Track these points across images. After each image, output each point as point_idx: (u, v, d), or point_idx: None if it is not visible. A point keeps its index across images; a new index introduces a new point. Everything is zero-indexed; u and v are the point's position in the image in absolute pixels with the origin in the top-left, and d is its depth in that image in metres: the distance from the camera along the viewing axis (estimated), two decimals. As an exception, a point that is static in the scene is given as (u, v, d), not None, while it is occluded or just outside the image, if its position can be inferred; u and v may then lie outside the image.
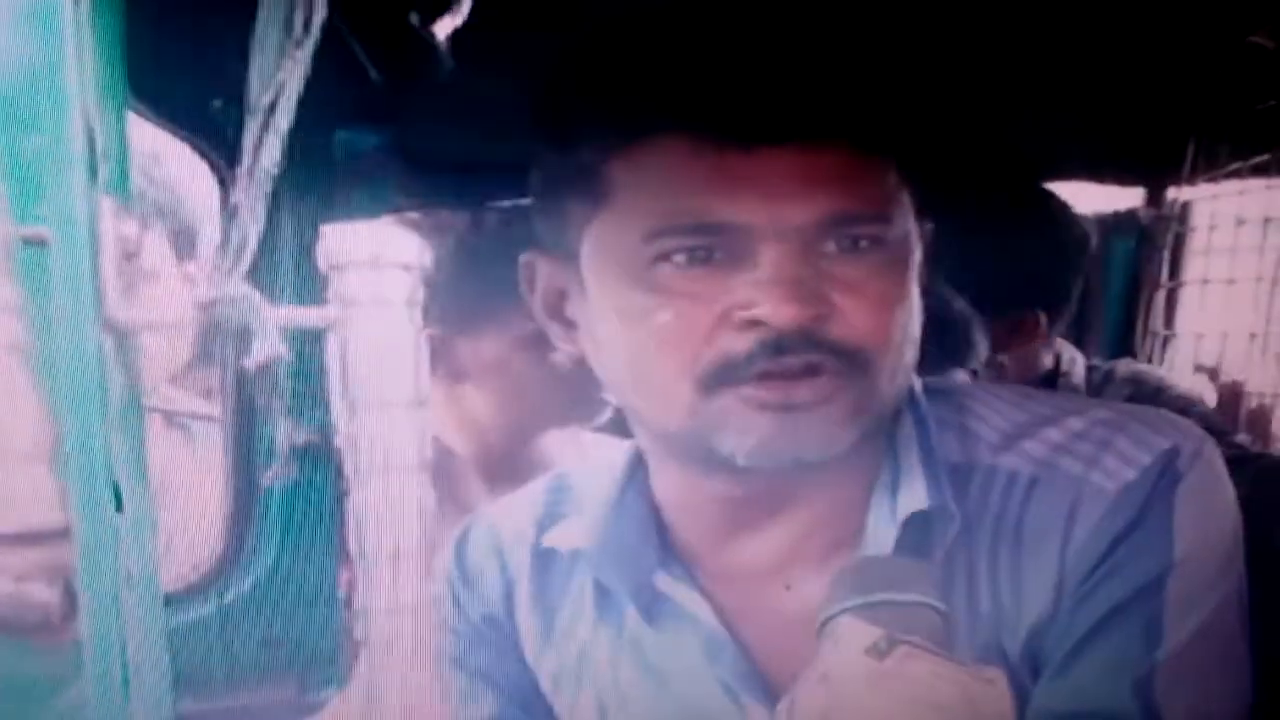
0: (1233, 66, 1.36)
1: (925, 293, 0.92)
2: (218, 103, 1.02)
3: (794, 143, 0.71)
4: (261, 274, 0.54)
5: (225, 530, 1.17)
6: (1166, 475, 0.76)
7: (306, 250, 0.52)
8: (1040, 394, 1.07)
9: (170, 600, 1.11)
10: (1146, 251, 1.86)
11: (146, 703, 0.50)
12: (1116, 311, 1.90)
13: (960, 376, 1.28)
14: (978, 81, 1.28)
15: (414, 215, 1.38)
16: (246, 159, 0.49)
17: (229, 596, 1.15)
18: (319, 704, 1.10)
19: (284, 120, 0.49)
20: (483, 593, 0.95)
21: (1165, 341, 1.85)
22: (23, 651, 0.46)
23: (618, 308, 0.76)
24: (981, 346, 1.33)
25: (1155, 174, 1.76)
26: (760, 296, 0.71)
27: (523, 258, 0.83)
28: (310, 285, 0.54)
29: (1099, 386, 1.62)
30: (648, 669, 0.87)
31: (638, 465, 0.87)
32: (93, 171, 0.45)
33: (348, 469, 0.52)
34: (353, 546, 0.52)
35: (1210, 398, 1.65)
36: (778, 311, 0.71)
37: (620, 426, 0.88)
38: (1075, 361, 1.59)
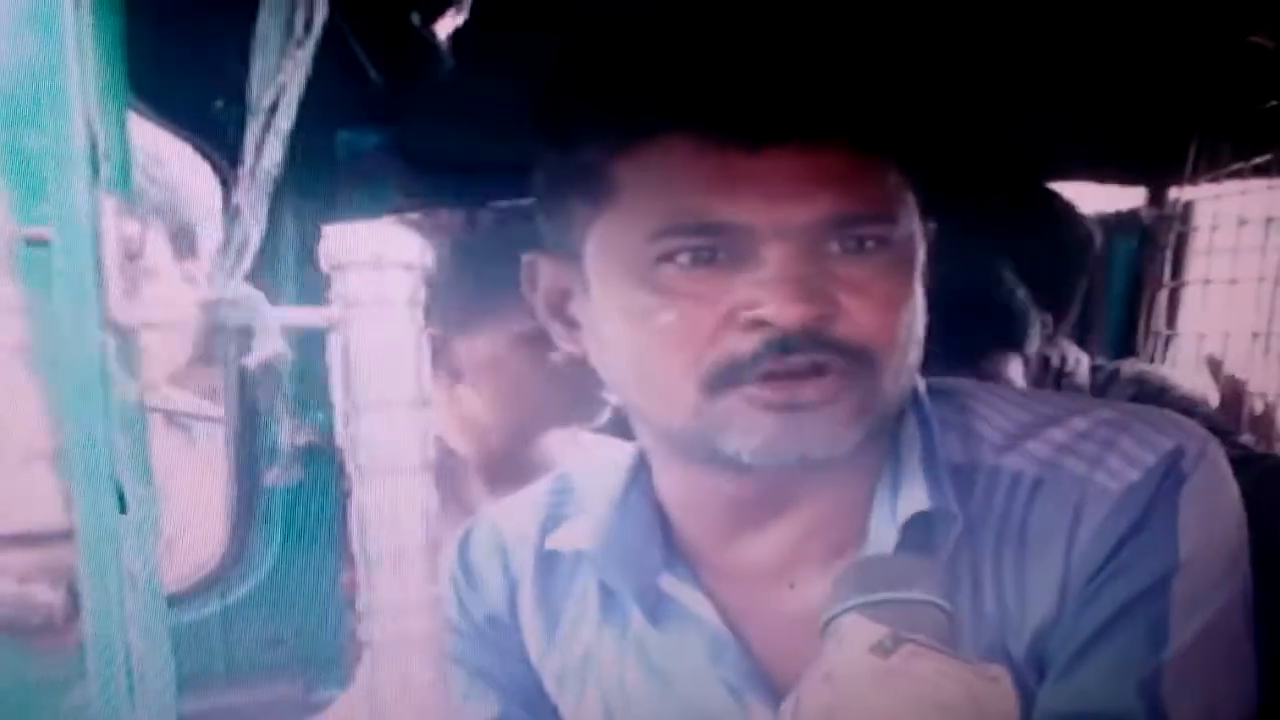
0: (1234, 67, 1.36)
1: (990, 279, 0.92)
2: (219, 103, 1.02)
3: (797, 142, 0.71)
4: (263, 274, 0.54)
5: (228, 530, 1.18)
6: (1171, 476, 0.76)
7: (308, 250, 0.52)
8: (1043, 394, 1.07)
9: (174, 600, 1.12)
10: (1149, 251, 1.86)
11: (150, 703, 0.50)
12: (1119, 311, 1.90)
13: (1015, 364, 1.27)
14: (980, 81, 1.28)
15: (415, 215, 1.38)
16: (248, 159, 0.49)
17: (232, 597, 1.15)
18: (322, 703, 1.10)
19: (285, 120, 0.49)
20: (486, 593, 0.95)
21: (1168, 341, 1.85)
22: (25, 653, 0.46)
23: (621, 307, 0.76)
24: (1036, 335, 1.33)
25: (1157, 174, 1.77)
26: (765, 296, 0.71)
27: (525, 258, 0.83)
28: (312, 285, 0.54)
29: (1103, 386, 1.61)
30: (652, 669, 0.87)
31: (641, 466, 0.87)
32: (95, 171, 0.45)
33: (350, 469, 0.51)
34: (355, 547, 0.52)
35: (1213, 397, 1.64)
36: (783, 311, 0.71)
37: (620, 427, 0.88)
38: (1079, 361, 1.59)
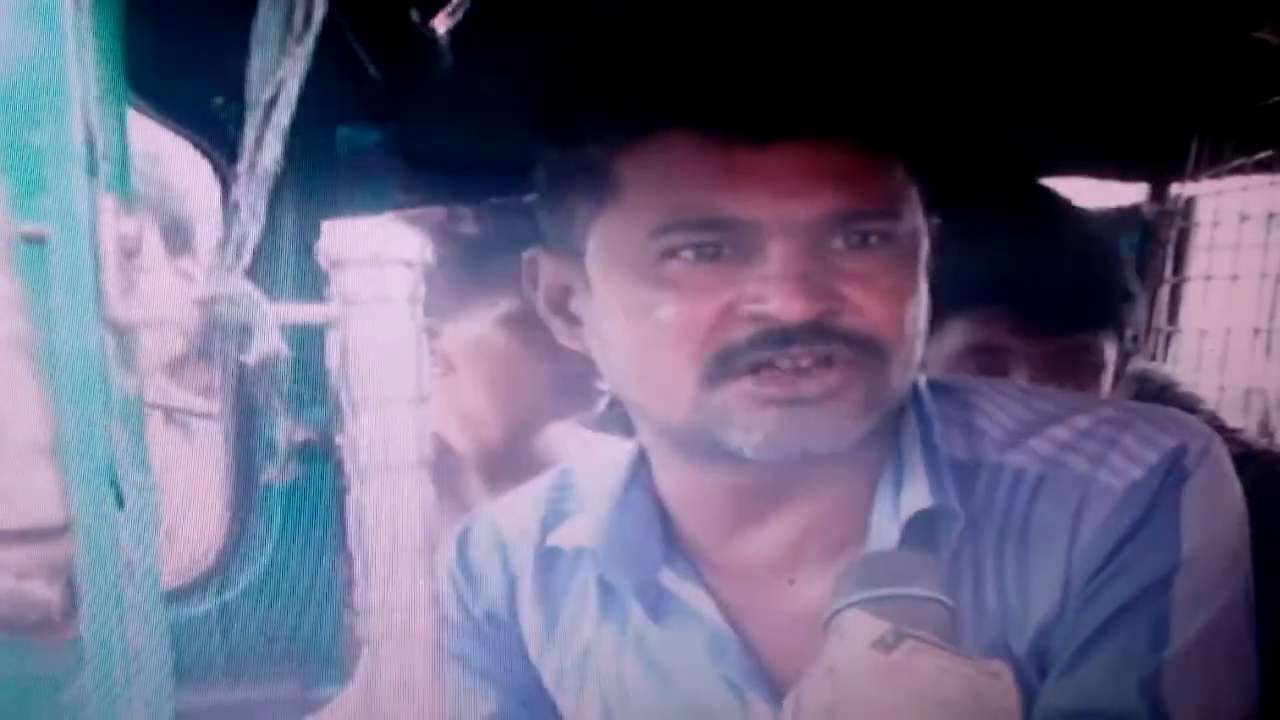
0: (1236, 62, 1.36)
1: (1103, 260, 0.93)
2: (218, 100, 1.02)
3: (801, 138, 0.71)
4: (262, 271, 0.54)
5: (226, 526, 1.17)
6: (1174, 473, 0.76)
7: (307, 247, 0.52)
8: (1046, 391, 1.07)
9: (171, 596, 1.11)
10: (1150, 247, 1.86)
11: (147, 699, 0.50)
12: (1119, 308, 1.89)
13: (1110, 342, 1.27)
14: (981, 77, 1.28)
15: (415, 212, 1.38)
16: (247, 156, 0.49)
17: (230, 593, 1.15)
18: (321, 700, 1.10)
19: (284, 117, 0.49)
20: (485, 590, 0.95)
21: (1169, 338, 1.85)
22: (23, 649, 0.46)
23: (623, 303, 0.76)
24: (1132, 316, 1.33)
25: (1159, 170, 1.76)
26: (768, 292, 0.71)
27: (526, 254, 0.83)
28: (311, 282, 0.54)
29: (1104, 383, 1.61)
30: (652, 666, 0.87)
31: (641, 462, 0.87)
32: (93, 169, 0.45)
33: (348, 466, 0.51)
34: (353, 543, 0.52)
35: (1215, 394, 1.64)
36: (786, 306, 0.71)
37: (618, 420, 0.88)
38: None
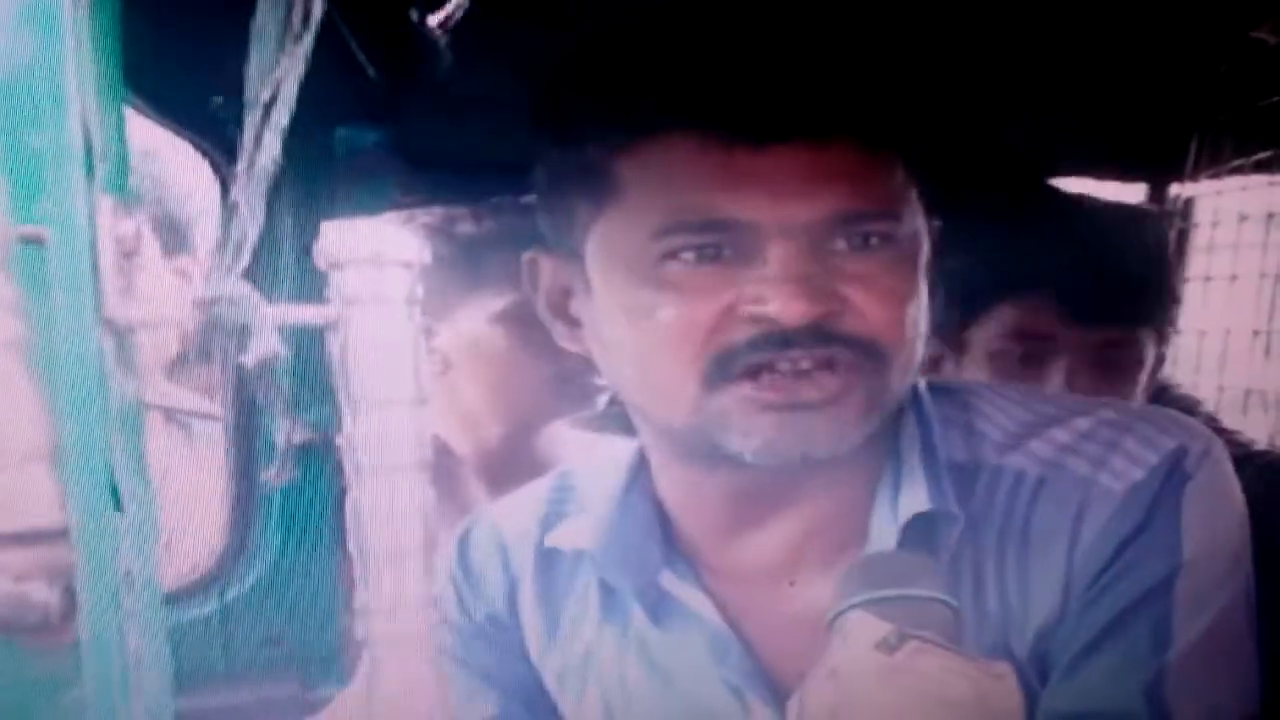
0: (1235, 62, 1.36)
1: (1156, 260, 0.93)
2: (217, 100, 1.02)
3: (801, 139, 0.71)
4: (261, 272, 0.54)
5: (226, 528, 1.17)
6: (1174, 476, 0.76)
7: (306, 248, 0.52)
8: (1045, 393, 1.07)
9: (171, 599, 1.11)
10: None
11: (147, 702, 0.50)
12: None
13: (1149, 341, 1.28)
14: (981, 78, 1.28)
15: (414, 212, 1.38)
16: (245, 156, 0.49)
17: (230, 595, 1.15)
18: (321, 702, 1.10)
19: (283, 117, 0.49)
20: (486, 591, 0.95)
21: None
22: (22, 652, 0.46)
23: (624, 305, 0.76)
24: (1171, 314, 1.36)
25: (1158, 170, 1.76)
26: (769, 293, 0.71)
27: (526, 256, 0.83)
28: (310, 283, 0.54)
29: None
30: (653, 668, 0.87)
31: (641, 464, 0.87)
32: (91, 170, 0.45)
33: (348, 467, 0.51)
34: (353, 545, 0.51)
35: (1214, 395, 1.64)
36: (786, 308, 0.71)
37: (618, 424, 0.88)
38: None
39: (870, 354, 0.73)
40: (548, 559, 0.92)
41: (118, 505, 0.48)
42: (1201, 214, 1.78)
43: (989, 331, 1.26)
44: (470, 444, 1.46)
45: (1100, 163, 1.71)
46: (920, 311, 0.77)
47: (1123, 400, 1.26)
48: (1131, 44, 1.30)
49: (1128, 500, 0.76)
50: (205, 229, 1.42)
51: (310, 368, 0.58)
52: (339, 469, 0.52)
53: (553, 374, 1.40)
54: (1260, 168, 1.59)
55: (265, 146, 0.48)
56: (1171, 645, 0.75)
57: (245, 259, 0.50)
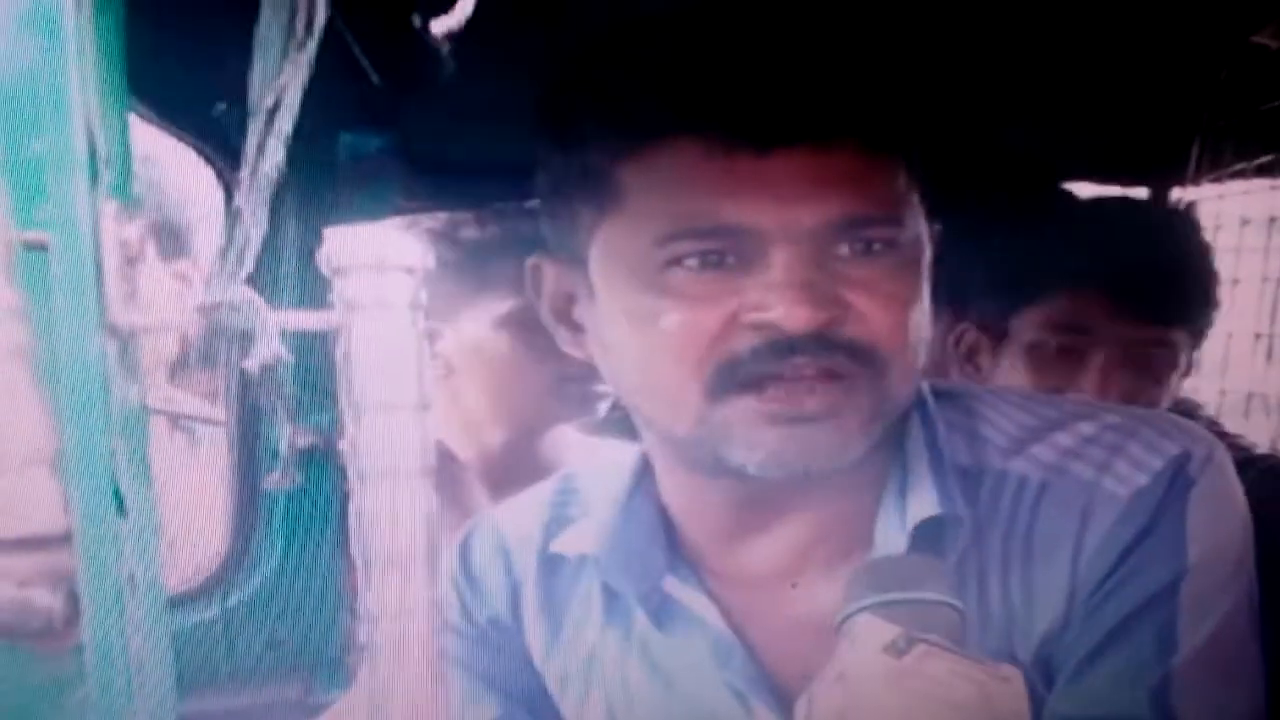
0: (1237, 67, 1.36)
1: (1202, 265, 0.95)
2: (220, 106, 1.02)
3: (805, 144, 0.71)
4: (264, 277, 0.54)
5: (229, 533, 1.17)
6: (1178, 481, 0.76)
7: (309, 253, 0.52)
8: (1048, 398, 1.07)
9: (174, 603, 1.11)
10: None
11: (150, 706, 0.50)
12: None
13: (1183, 341, 1.31)
14: (983, 82, 1.28)
15: (418, 217, 1.38)
16: (249, 163, 0.49)
17: (232, 599, 1.15)
18: (323, 706, 1.10)
19: (286, 124, 0.49)
20: (488, 595, 0.94)
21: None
22: (25, 657, 0.46)
23: (627, 311, 0.76)
24: (1210, 317, 1.37)
25: (1159, 174, 1.76)
26: (772, 299, 0.71)
27: (529, 261, 0.83)
28: (313, 288, 0.54)
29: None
30: (655, 671, 0.87)
31: (645, 468, 0.87)
32: (94, 176, 0.45)
33: (351, 472, 0.51)
34: (355, 550, 0.52)
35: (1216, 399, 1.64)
36: (790, 314, 0.70)
37: (621, 428, 0.88)
38: None
39: (872, 362, 0.73)
40: (550, 563, 0.92)
41: (121, 510, 0.48)
42: (1203, 218, 1.78)
43: (1030, 321, 1.29)
44: (473, 449, 1.46)
45: (1102, 166, 1.72)
46: (923, 317, 0.77)
47: (1151, 401, 1.29)
48: (1133, 48, 1.30)
49: (1132, 505, 0.76)
50: (204, 234, 1.42)
51: (313, 373, 0.58)
52: (342, 474, 0.52)
53: (556, 379, 1.40)
54: (1262, 172, 1.59)
55: (269, 153, 0.48)
56: (1177, 650, 0.74)
57: (249, 265, 0.50)
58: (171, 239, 1.41)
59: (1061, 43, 1.25)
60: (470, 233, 1.41)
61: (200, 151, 1.12)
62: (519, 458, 1.44)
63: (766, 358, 0.72)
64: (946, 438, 0.81)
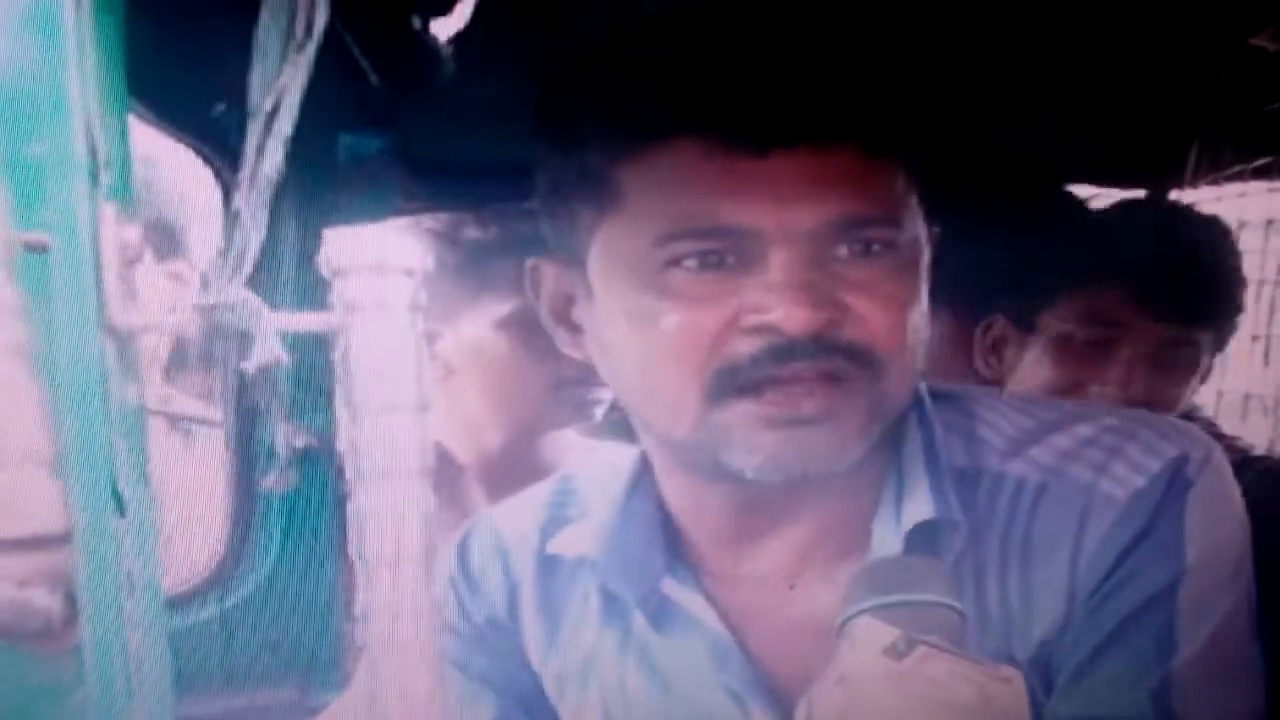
0: (1235, 69, 1.36)
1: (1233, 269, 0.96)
2: (220, 107, 1.02)
3: (805, 146, 0.71)
4: (263, 278, 0.54)
5: (227, 534, 1.17)
6: (1176, 483, 0.76)
7: (309, 254, 0.52)
8: (1046, 400, 1.07)
9: (171, 603, 1.11)
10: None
11: (148, 707, 0.50)
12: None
13: (1206, 341, 1.32)
14: (982, 83, 1.28)
15: (418, 218, 1.38)
16: (248, 164, 0.49)
17: (231, 600, 1.15)
18: (320, 707, 1.10)
19: (286, 125, 0.49)
20: (486, 595, 0.94)
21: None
22: (24, 657, 0.46)
23: (626, 312, 0.76)
24: (1236, 318, 1.40)
25: (1157, 176, 1.76)
26: (772, 301, 0.71)
27: (529, 262, 0.83)
28: (312, 290, 0.54)
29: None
30: (653, 673, 0.87)
31: (643, 469, 0.87)
32: (94, 177, 0.45)
33: (349, 473, 0.51)
34: (353, 551, 0.52)
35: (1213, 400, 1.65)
36: (790, 315, 0.70)
37: (620, 430, 0.88)
38: None
39: (870, 364, 0.73)
40: (548, 563, 0.92)
41: (119, 511, 0.48)
42: (1201, 220, 1.78)
43: (1061, 313, 1.31)
44: (472, 450, 1.46)
45: (1100, 168, 1.72)
46: (921, 319, 0.77)
47: (1170, 401, 1.31)
48: (1132, 51, 1.30)
49: (1130, 507, 0.76)
50: (199, 233, 1.42)
51: (312, 374, 0.58)
52: (339, 475, 0.52)
53: (555, 381, 1.40)
54: (1259, 174, 1.60)
55: (268, 155, 0.48)
56: (1176, 651, 0.75)
57: (248, 267, 0.51)
58: (166, 238, 1.41)
59: (1061, 45, 1.26)
60: (470, 234, 1.41)
61: (199, 152, 1.12)
62: (518, 459, 1.44)
63: (766, 362, 0.72)
64: (944, 439, 0.81)
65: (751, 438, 0.73)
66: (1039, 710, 0.75)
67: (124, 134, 0.48)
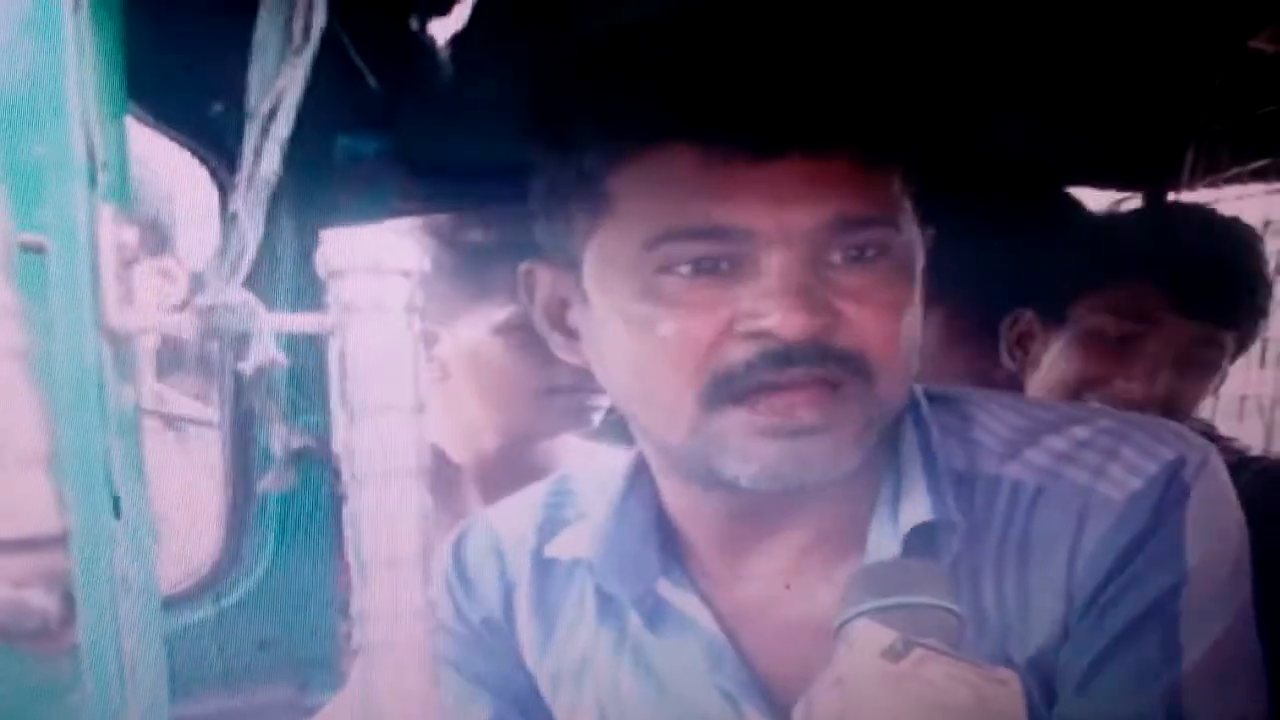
0: (1233, 72, 1.36)
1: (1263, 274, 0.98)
2: (217, 109, 1.02)
3: (800, 151, 0.71)
4: (260, 279, 0.54)
5: (223, 534, 1.17)
6: (1174, 486, 0.76)
7: (305, 255, 0.52)
8: (1042, 401, 1.07)
9: (167, 603, 1.11)
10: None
11: (144, 707, 0.50)
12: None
13: (1228, 342, 1.34)
14: (978, 85, 1.28)
15: (414, 220, 1.38)
16: (246, 165, 0.49)
17: (227, 600, 1.15)
18: (316, 707, 1.10)
19: (284, 127, 0.49)
20: (481, 596, 0.94)
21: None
22: (20, 658, 0.46)
23: (622, 318, 0.75)
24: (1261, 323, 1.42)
25: (1155, 178, 1.77)
26: (768, 307, 0.71)
27: (522, 266, 0.83)
28: (309, 291, 0.54)
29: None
30: (649, 674, 0.87)
31: (638, 471, 0.87)
32: (92, 179, 0.45)
33: (345, 474, 0.51)
34: (349, 551, 0.52)
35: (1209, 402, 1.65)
36: (786, 321, 0.70)
37: (617, 433, 0.88)
38: None
39: (865, 370, 0.73)
40: (544, 564, 0.92)
41: (116, 511, 0.48)
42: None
43: (1092, 306, 1.33)
44: (468, 453, 1.46)
45: (1097, 171, 1.72)
46: (915, 324, 0.77)
47: (1190, 402, 1.34)
48: (1130, 53, 1.30)
49: (1128, 509, 0.76)
50: (187, 231, 1.42)
51: (309, 375, 0.58)
52: (335, 475, 0.52)
53: (553, 387, 1.40)
54: (1257, 176, 1.60)
55: (266, 156, 0.48)
56: (1182, 655, 0.75)
57: (246, 267, 0.51)
58: (153, 236, 1.42)
59: (1059, 48, 1.26)
60: (468, 236, 1.41)
61: (196, 153, 1.12)
62: (514, 462, 1.44)
63: (762, 368, 0.72)
64: (940, 442, 0.81)
65: (747, 448, 0.73)
66: (1035, 713, 0.75)
67: (122, 135, 0.48)
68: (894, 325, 0.74)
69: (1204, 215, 1.48)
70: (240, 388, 1.11)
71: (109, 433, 0.48)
